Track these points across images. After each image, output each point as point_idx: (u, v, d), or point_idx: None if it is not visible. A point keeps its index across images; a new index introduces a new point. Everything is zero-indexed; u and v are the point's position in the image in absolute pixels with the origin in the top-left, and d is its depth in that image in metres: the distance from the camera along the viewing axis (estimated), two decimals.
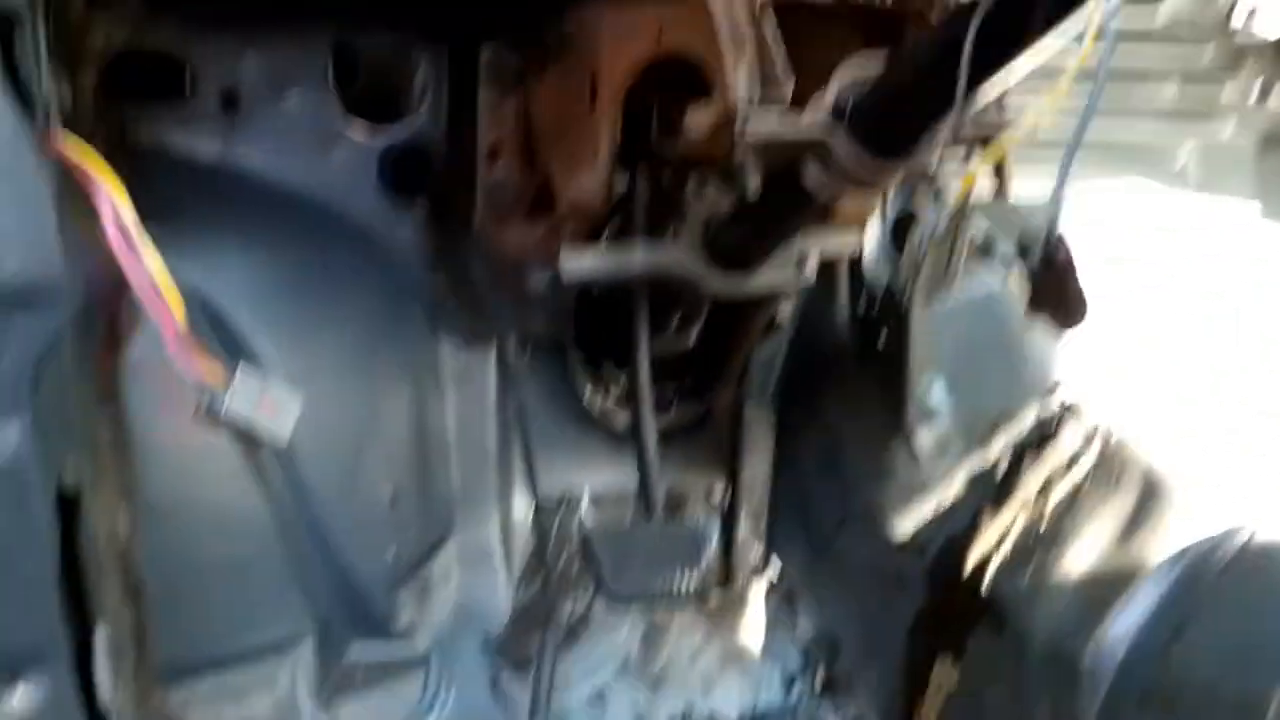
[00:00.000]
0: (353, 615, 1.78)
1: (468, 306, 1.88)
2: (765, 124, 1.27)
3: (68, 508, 1.16)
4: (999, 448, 2.00)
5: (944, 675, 1.89)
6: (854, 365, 2.08)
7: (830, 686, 2.03)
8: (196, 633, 1.60)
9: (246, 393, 1.07)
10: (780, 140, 1.29)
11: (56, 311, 0.98)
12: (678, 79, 1.65)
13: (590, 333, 1.98)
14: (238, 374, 1.06)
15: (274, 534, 1.65)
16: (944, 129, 1.22)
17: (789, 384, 2.16)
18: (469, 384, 1.94)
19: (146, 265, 1.01)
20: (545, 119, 1.77)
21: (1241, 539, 1.66)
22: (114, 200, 1.01)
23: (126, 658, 1.31)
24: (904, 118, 1.23)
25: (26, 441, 0.99)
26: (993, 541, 1.88)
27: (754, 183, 1.46)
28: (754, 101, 1.28)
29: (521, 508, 2.02)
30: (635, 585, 1.62)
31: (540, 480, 1.92)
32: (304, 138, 1.69)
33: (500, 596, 1.95)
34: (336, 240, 1.76)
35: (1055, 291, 1.47)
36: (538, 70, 1.78)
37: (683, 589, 1.67)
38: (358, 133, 1.75)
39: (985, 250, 2.04)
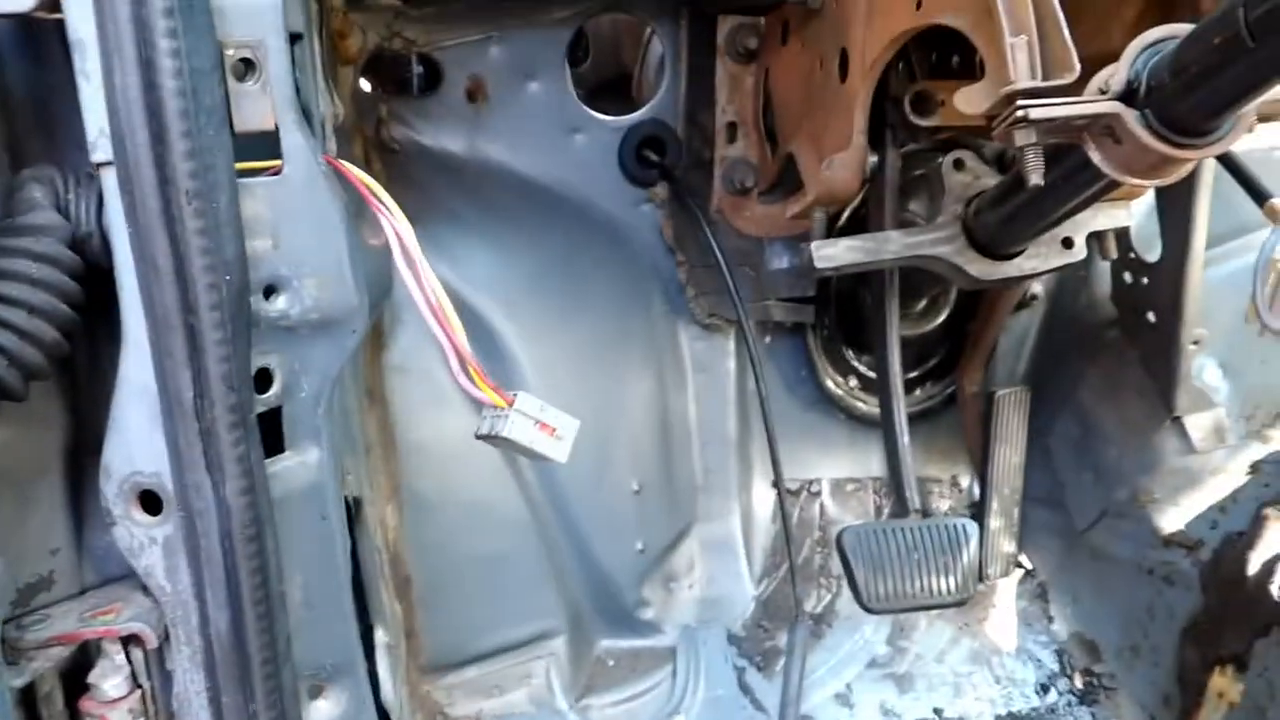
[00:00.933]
0: (602, 608, 1.80)
1: (707, 291, 1.84)
2: (1050, 108, 1.15)
3: (349, 513, 1.20)
4: None
5: (1224, 685, 1.74)
6: (1114, 343, 1.92)
7: (1089, 691, 1.91)
8: (459, 626, 1.65)
9: (527, 416, 1.06)
10: (1065, 124, 1.17)
11: (353, 336, 0.99)
12: (932, 50, 1.54)
13: (830, 315, 1.91)
14: (519, 398, 1.05)
15: (529, 527, 1.68)
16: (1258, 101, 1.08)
17: (1041, 365, 2.03)
18: (709, 371, 1.91)
19: (430, 289, 1.00)
20: (787, 95, 1.70)
21: None
22: (397, 225, 1.01)
23: (398, 653, 1.36)
24: (1215, 93, 1.09)
25: (325, 460, 1.02)
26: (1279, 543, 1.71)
27: (1032, 164, 1.34)
28: (1036, 80, 1.17)
29: (761, 496, 1.98)
30: (892, 596, 1.55)
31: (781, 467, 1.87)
32: (546, 126, 1.68)
33: (743, 587, 1.92)
34: (579, 228, 1.75)
35: None
36: (777, 43, 1.70)
37: (941, 598, 1.59)
38: (598, 118, 1.73)
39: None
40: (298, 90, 0.97)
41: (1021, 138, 1.18)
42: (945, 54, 1.56)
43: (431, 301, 1.00)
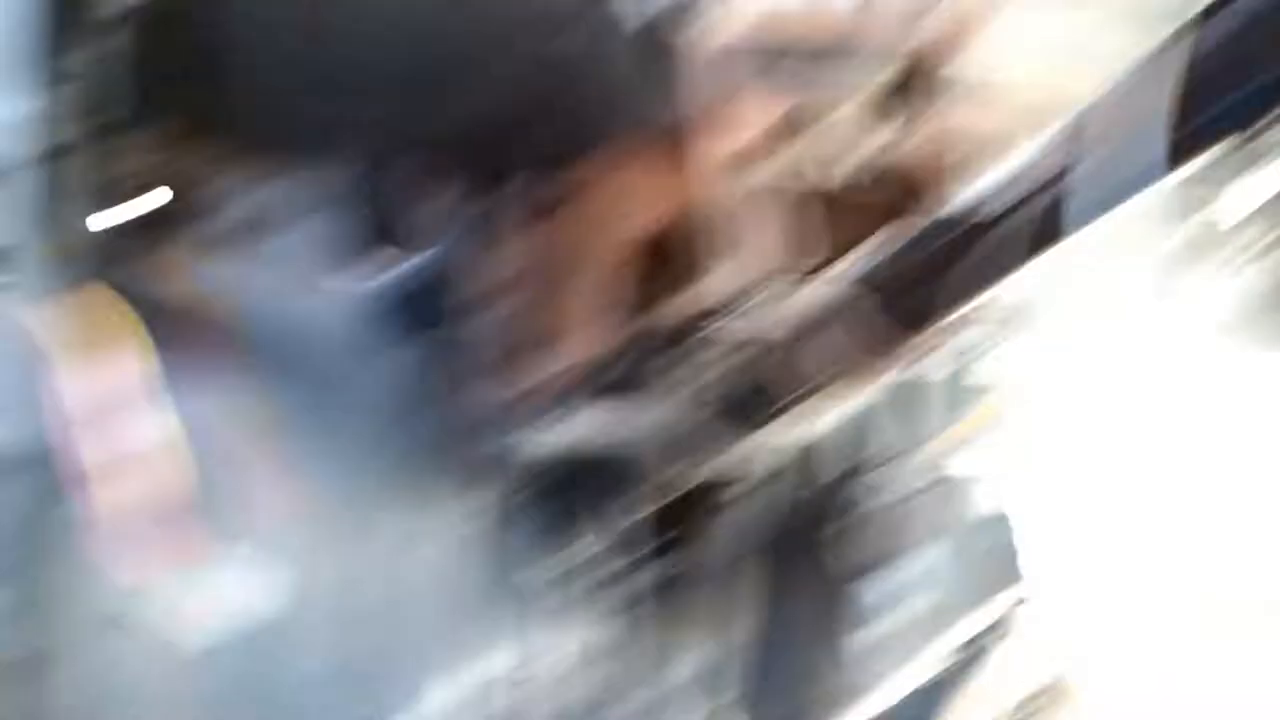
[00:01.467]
0: None
1: (457, 460, 1.85)
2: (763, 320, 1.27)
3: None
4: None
5: None
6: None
7: None
8: None
9: (204, 587, 1.01)
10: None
11: (44, 479, 0.95)
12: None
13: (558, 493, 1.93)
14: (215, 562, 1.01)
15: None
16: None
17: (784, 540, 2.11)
18: (431, 543, 1.88)
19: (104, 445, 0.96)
20: (550, 261, 1.77)
21: None
22: (121, 362, 0.98)
23: None
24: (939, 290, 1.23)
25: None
26: None
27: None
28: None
29: (468, 679, 1.94)
30: None
31: (502, 648, 1.87)
32: (309, 269, 1.68)
33: None
34: (334, 377, 1.73)
35: None
36: (551, 209, 1.78)
37: None
38: (364, 264, 1.74)
39: None
40: (30, 215, 0.95)
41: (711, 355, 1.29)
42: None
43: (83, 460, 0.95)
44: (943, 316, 1.29)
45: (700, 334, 1.63)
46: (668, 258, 1.59)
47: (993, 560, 1.94)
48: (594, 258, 1.58)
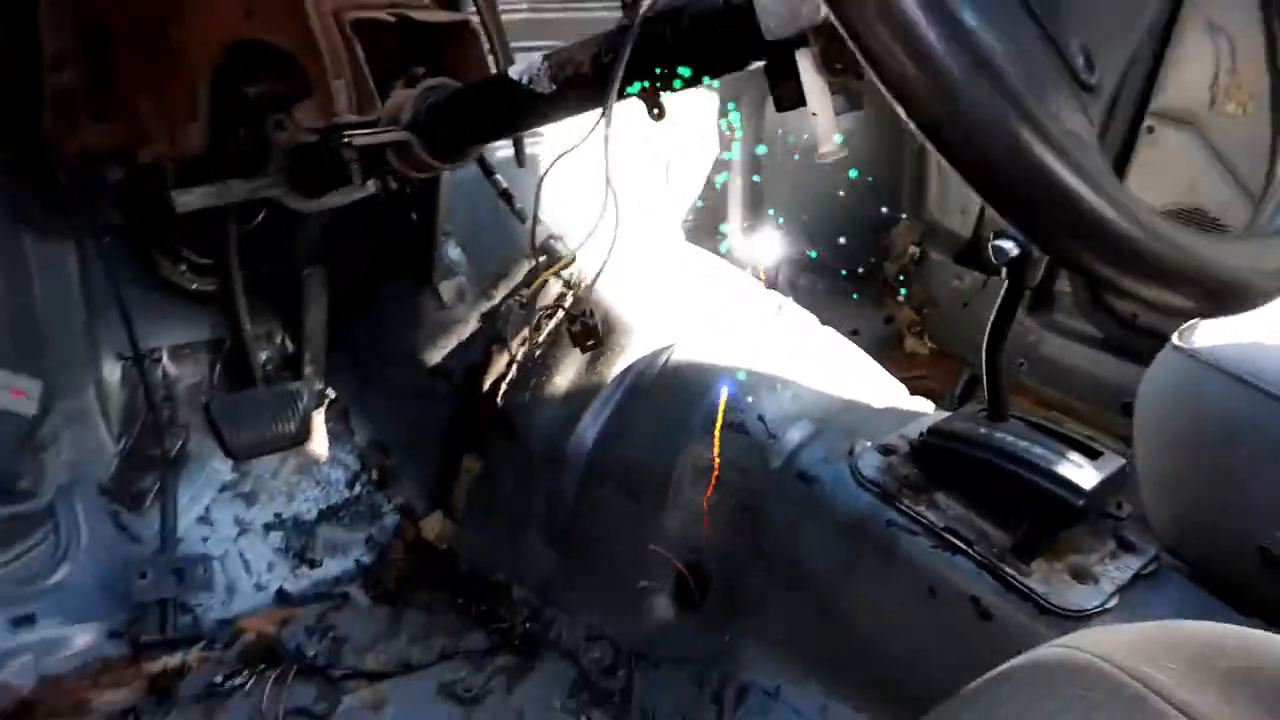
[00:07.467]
0: None
1: (47, 203, 2.08)
2: (365, 137, 1.66)
3: None
4: (501, 295, 2.65)
5: (471, 464, 2.57)
6: (387, 233, 2.56)
7: (383, 480, 2.65)
8: None
9: None
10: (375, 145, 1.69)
11: None
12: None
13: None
14: None
15: None
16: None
17: (334, 250, 2.57)
18: (53, 269, 2.15)
19: None
20: (128, 61, 1.91)
21: (664, 357, 2.32)
22: None
23: None
24: (462, 134, 1.71)
25: None
26: (501, 367, 2.54)
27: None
28: (352, 114, 1.67)
29: (111, 368, 2.31)
30: (253, 445, 2.08)
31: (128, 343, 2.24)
32: None
33: (105, 447, 2.26)
34: None
35: None
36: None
37: (289, 441, 2.15)
38: None
39: None
40: None
41: (346, 155, 1.68)
42: None
43: None
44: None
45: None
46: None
47: None
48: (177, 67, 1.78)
